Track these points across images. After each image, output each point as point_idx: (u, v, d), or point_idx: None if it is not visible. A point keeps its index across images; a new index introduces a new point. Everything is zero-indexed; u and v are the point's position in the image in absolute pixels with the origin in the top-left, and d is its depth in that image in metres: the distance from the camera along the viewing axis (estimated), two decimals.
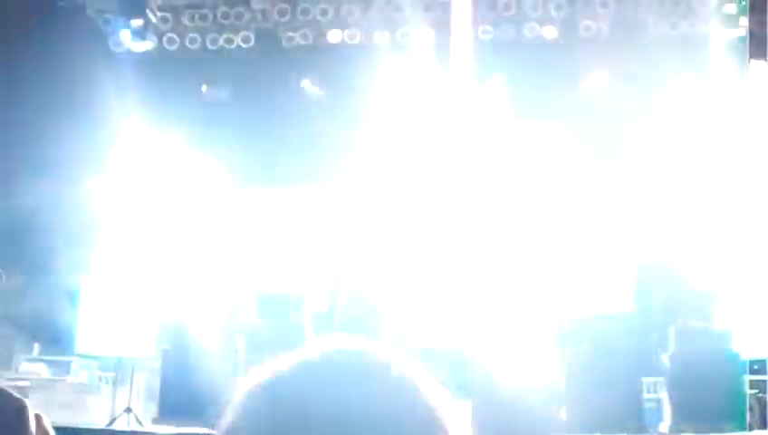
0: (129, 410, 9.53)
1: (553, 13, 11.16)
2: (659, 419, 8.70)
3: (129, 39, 11.63)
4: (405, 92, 10.96)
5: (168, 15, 11.68)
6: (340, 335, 1.11)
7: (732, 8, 10.99)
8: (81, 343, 10.18)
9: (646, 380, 9.24)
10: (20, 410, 2.00)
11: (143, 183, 11.05)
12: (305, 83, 11.91)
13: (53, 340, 10.15)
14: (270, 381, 1.08)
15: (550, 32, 11.26)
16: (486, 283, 8.88)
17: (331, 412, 1.02)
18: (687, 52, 11.13)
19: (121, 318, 10.25)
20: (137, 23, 11.52)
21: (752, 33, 10.39)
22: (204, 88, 12.14)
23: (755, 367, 8.94)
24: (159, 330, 9.85)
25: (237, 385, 1.11)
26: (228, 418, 1.08)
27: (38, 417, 2.14)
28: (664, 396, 8.81)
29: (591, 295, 10.56)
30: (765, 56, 9.94)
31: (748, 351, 9.35)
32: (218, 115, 11.62)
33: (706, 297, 10.06)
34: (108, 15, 11.45)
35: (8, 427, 2.01)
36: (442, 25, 11.01)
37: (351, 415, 1.02)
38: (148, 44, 11.73)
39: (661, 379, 9.17)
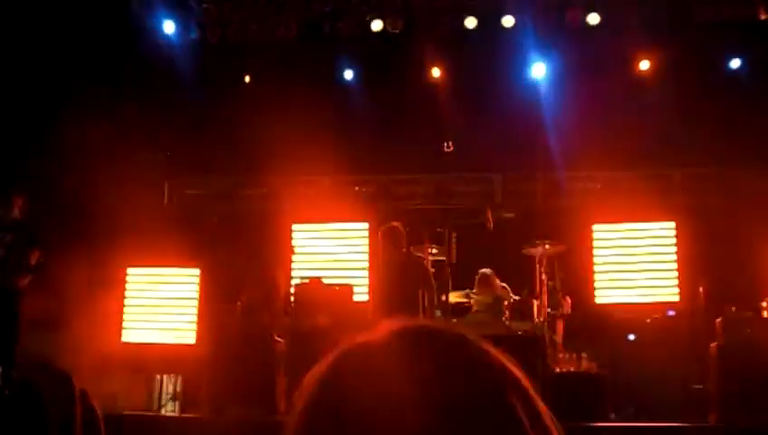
0: (174, 398, 9.66)
1: None
2: (707, 409, 8.59)
3: (171, 29, 11.72)
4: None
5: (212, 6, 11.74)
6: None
7: None
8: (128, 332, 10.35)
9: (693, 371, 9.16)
10: (65, 383, 2.02)
11: None
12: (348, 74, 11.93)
13: None
14: (343, 362, 1.08)
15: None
16: None
17: (406, 394, 1.02)
18: None
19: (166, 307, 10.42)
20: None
21: None
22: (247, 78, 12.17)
23: None
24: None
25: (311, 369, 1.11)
26: (305, 401, 1.08)
27: (83, 392, 2.16)
28: (711, 386, 8.70)
29: (638, 285, 10.53)
30: None
31: None
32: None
33: (753, 287, 9.96)
34: (151, 8, 11.54)
35: (55, 398, 2.03)
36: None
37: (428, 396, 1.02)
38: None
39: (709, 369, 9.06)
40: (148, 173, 11.56)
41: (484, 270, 9.49)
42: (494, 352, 1.09)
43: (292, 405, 1.09)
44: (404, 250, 8.62)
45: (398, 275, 8.44)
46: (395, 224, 8.72)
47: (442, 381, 1.04)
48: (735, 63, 11.59)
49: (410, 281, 8.37)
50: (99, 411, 2.26)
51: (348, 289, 9.47)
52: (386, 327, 1.10)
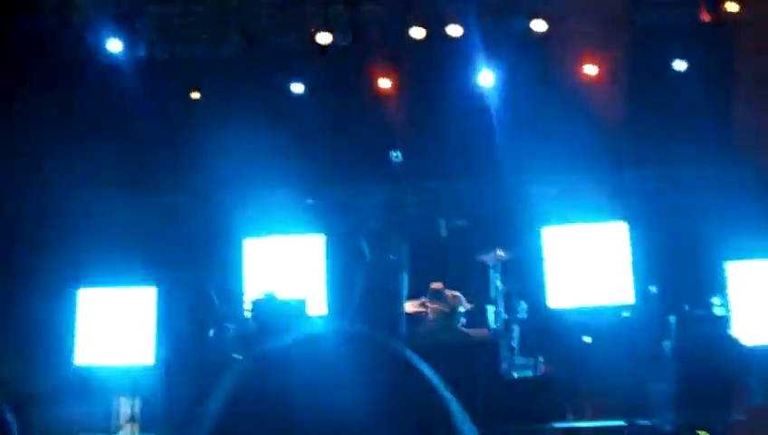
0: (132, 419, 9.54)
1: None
2: (664, 406, 8.69)
3: (118, 48, 11.61)
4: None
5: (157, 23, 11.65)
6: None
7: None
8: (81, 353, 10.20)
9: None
10: None
11: None
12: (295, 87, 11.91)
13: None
14: (264, 357, 1.06)
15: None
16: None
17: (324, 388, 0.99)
18: None
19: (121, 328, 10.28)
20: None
21: None
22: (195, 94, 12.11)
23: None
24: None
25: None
26: (220, 396, 1.04)
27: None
28: (667, 385, 8.81)
29: (592, 287, 10.64)
30: None
31: (747, 337, 9.42)
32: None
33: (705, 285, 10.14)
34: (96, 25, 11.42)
35: None
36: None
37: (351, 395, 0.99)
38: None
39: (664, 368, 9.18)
40: (97, 191, 11.42)
41: (434, 285, 9.46)
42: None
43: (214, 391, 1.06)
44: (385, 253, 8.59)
45: (382, 279, 8.40)
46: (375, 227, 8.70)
47: (373, 375, 1.02)
48: (680, 66, 11.77)
49: (393, 284, 8.36)
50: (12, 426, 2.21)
51: (302, 302, 9.45)
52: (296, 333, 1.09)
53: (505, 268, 9.51)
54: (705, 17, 11.21)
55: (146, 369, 9.84)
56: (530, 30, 11.18)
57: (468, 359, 8.15)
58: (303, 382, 1.00)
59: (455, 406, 1.04)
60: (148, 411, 9.40)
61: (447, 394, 1.04)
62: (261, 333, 9.01)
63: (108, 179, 11.67)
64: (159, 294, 10.32)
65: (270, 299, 9.32)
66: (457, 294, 9.52)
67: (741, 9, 10.95)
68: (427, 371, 1.06)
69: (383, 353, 1.06)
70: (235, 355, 9.16)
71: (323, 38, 11.23)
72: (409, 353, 1.07)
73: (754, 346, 9.21)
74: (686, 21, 11.29)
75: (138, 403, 9.65)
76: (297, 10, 11.21)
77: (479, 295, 9.59)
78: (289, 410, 0.98)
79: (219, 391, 1.04)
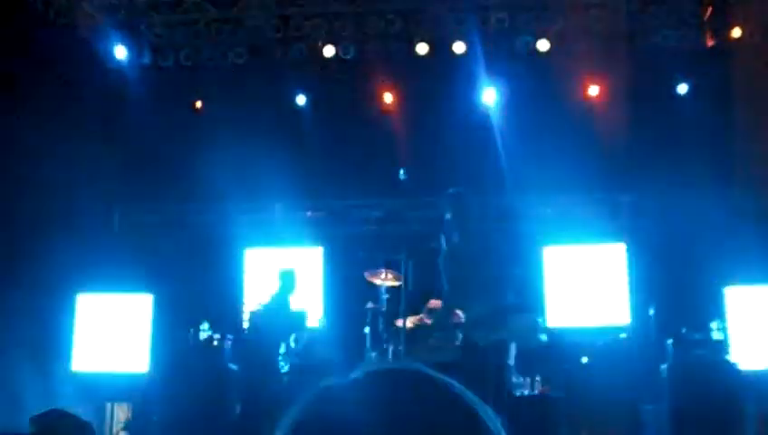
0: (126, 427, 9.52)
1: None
2: (660, 428, 8.69)
3: (123, 55, 11.64)
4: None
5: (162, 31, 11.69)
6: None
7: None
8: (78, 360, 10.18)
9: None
10: (85, 429, 2.00)
11: None
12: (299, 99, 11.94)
13: None
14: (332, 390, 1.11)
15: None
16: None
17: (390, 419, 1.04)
18: None
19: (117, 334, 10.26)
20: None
21: None
22: (198, 104, 12.15)
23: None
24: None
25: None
26: (285, 425, 1.11)
27: None
28: (663, 407, 8.81)
29: (591, 307, 10.64)
30: None
31: (745, 362, 9.42)
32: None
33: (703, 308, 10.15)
34: (101, 32, 11.46)
35: None
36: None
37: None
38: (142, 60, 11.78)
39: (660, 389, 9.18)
40: (98, 198, 11.43)
41: (432, 303, 9.40)
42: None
43: None
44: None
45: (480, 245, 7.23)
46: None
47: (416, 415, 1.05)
48: (683, 89, 11.80)
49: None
50: None
51: (302, 314, 9.43)
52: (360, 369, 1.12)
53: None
54: (709, 41, 11.25)
55: (140, 376, 9.83)
56: (534, 49, 11.21)
57: (465, 377, 8.12)
58: (364, 419, 1.05)
59: None
60: (142, 418, 9.38)
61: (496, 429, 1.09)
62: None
63: (110, 186, 11.69)
64: (156, 302, 10.32)
65: (268, 310, 9.30)
66: (459, 311, 9.48)
67: (744, 34, 10.99)
68: (482, 411, 1.11)
69: (443, 395, 1.11)
70: (231, 365, 9.16)
71: (328, 51, 11.27)
72: (468, 395, 1.12)
73: (752, 371, 9.20)
74: (690, 44, 11.33)
75: (132, 410, 9.64)
76: (302, 22, 11.24)
77: None
78: None
79: (285, 419, 1.10)
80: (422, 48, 11.24)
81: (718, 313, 10.41)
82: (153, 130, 11.31)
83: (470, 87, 11.47)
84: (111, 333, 10.36)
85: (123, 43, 11.60)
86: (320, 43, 11.33)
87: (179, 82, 12.00)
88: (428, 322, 9.30)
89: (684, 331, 9.89)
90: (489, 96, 11.53)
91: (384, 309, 8.97)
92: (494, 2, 10.97)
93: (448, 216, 7.27)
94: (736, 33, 11.01)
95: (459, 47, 11.15)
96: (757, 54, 11.01)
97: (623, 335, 10.27)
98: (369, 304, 9.04)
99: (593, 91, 11.76)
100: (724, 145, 11.09)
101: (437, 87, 11.46)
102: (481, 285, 6.93)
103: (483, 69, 11.17)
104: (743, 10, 10.98)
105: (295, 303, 9.37)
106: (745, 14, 11.01)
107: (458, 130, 11.01)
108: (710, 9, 11.12)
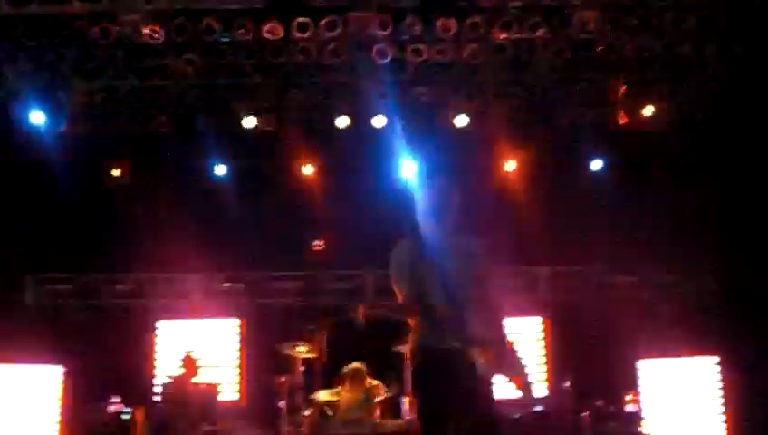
0: None
1: None
2: None
3: (40, 120, 11.43)
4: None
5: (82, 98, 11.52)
6: None
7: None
8: None
9: None
10: None
11: None
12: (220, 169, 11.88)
13: None
14: None
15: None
16: None
17: None
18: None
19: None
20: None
21: None
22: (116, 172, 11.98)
23: None
24: None
25: None
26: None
27: None
28: None
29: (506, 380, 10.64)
30: None
31: (658, 433, 9.55)
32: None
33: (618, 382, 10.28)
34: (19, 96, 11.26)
35: None
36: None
37: None
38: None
39: None
40: (9, 267, 11.15)
41: (355, 365, 9.40)
42: None
43: None
44: None
45: None
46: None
47: None
48: (597, 165, 12.08)
49: None
50: None
51: (214, 387, 9.27)
52: None
53: None
54: (622, 119, 11.55)
55: None
56: (452, 125, 11.37)
57: None
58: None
59: None
60: None
61: None
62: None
63: (21, 254, 11.42)
64: (66, 374, 10.05)
65: (182, 382, 9.11)
66: (377, 383, 9.44)
67: (656, 112, 11.33)
68: None
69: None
70: None
71: (248, 122, 11.25)
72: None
73: None
74: (604, 121, 11.63)
75: None
76: (224, 93, 11.23)
77: (395, 386, 9.50)
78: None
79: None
80: (342, 121, 11.31)
81: (632, 385, 10.57)
82: (68, 197, 11.11)
83: (390, 160, 11.56)
84: (19, 405, 10.03)
85: (41, 108, 11.40)
86: (241, 114, 11.31)
87: (97, 150, 11.81)
88: (346, 392, 9.22)
89: (599, 403, 9.98)
90: (409, 169, 11.62)
91: (300, 382, 8.86)
92: (415, 77, 11.11)
93: None
94: (648, 111, 11.33)
95: (380, 120, 11.26)
96: (668, 133, 11.37)
97: (539, 408, 10.30)
98: (285, 378, 8.92)
99: (510, 165, 11.96)
100: (636, 221, 11.36)
101: (357, 160, 11.53)
102: None
103: (403, 142, 11.28)
104: (655, 90, 11.33)
105: (208, 377, 9.22)
106: (658, 93, 11.37)
107: (378, 203, 11.05)
108: (623, 88, 11.45)
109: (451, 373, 4.63)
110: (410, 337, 4.93)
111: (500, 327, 4.93)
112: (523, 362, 5.00)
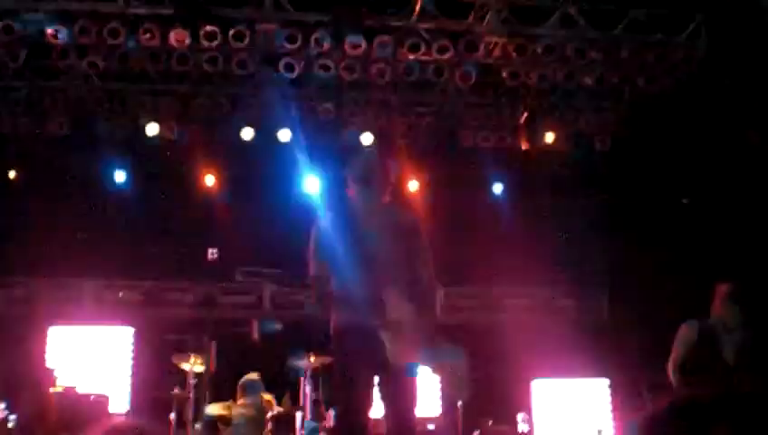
0: None
1: None
2: None
3: None
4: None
5: None
6: None
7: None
8: None
9: None
10: None
11: None
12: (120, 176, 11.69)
13: None
14: None
15: None
16: None
17: None
18: None
19: None
20: None
21: None
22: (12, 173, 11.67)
23: None
24: None
25: None
26: None
27: None
28: None
29: None
30: None
31: None
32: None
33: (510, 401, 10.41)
34: None
35: None
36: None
37: None
38: None
39: None
40: None
41: (250, 376, 9.31)
42: None
43: None
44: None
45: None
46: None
47: None
48: (498, 188, 12.29)
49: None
50: None
51: (104, 399, 9.05)
52: None
53: (316, 375, 9.44)
54: (524, 144, 11.78)
55: None
56: (359, 142, 11.42)
57: None
58: None
59: None
60: None
61: None
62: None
63: None
64: None
65: (68, 393, 8.87)
66: (270, 397, 9.36)
67: (556, 140, 11.58)
68: None
69: None
70: None
71: (151, 129, 11.09)
72: None
73: None
74: (507, 146, 11.84)
75: None
76: (127, 97, 11.05)
77: (289, 401, 9.46)
78: None
79: None
80: (247, 133, 11.25)
81: (525, 405, 10.72)
82: None
83: (293, 174, 11.54)
84: None
85: None
86: (143, 121, 11.14)
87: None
88: (237, 407, 9.13)
89: (490, 423, 10.10)
90: (312, 185, 11.62)
91: (191, 395, 8.74)
92: (322, 93, 11.12)
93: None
94: (549, 138, 11.57)
95: (285, 134, 11.23)
96: (567, 160, 11.65)
97: (431, 427, 10.37)
98: (176, 390, 8.79)
99: (413, 185, 12.06)
100: (535, 242, 11.57)
101: (260, 172, 11.48)
102: None
103: (306, 157, 11.27)
104: (557, 117, 11.58)
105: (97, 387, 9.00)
106: (559, 121, 11.62)
107: (278, 217, 11.00)
108: (525, 114, 11.68)
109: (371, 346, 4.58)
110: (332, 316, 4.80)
111: (430, 310, 4.88)
112: (454, 352, 4.86)
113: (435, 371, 4.83)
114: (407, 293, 4.73)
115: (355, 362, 4.58)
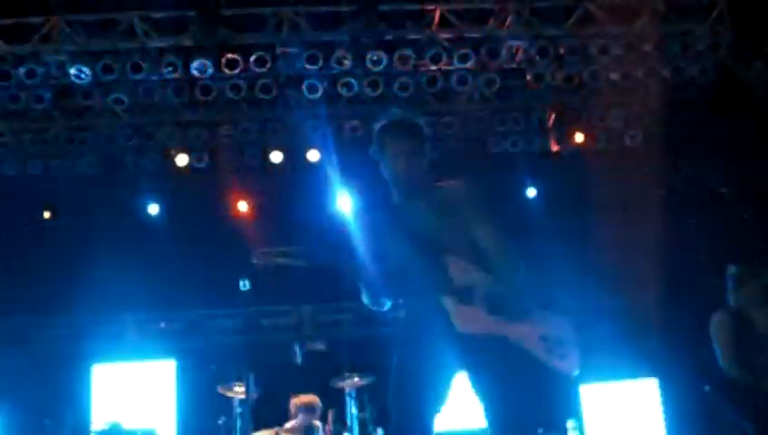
0: None
1: None
2: None
3: None
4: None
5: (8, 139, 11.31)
6: None
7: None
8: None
9: None
10: None
11: None
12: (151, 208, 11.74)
13: None
14: None
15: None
16: None
17: None
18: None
19: None
20: None
21: None
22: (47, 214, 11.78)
23: None
24: None
25: None
26: None
27: None
28: None
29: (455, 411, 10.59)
30: None
31: None
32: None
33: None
34: None
35: None
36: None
37: None
38: None
39: None
40: None
41: (310, 396, 9.22)
42: None
43: None
44: None
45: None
46: None
47: None
48: (531, 193, 12.18)
49: None
50: None
51: (152, 433, 9.07)
52: None
53: (361, 394, 9.37)
54: (554, 146, 11.68)
55: None
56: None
57: None
58: None
59: None
60: None
61: None
62: None
63: None
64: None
65: (114, 430, 8.90)
66: (317, 422, 9.30)
67: (586, 140, 11.46)
68: None
69: None
70: None
71: (181, 160, 11.14)
72: None
73: None
74: (537, 149, 11.74)
75: None
76: (154, 131, 11.11)
77: (336, 423, 9.39)
78: None
79: None
80: (276, 156, 11.26)
81: (574, 411, 10.58)
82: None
83: (325, 195, 11.52)
84: None
85: None
86: (172, 152, 11.20)
87: (27, 192, 11.60)
88: (284, 433, 9.08)
89: (541, 431, 9.96)
90: (344, 203, 11.58)
91: (238, 424, 8.70)
92: (348, 111, 11.12)
93: None
94: (579, 138, 11.46)
95: (314, 155, 11.22)
96: (599, 159, 11.50)
97: None
98: (222, 419, 8.77)
99: None
100: (572, 245, 11.42)
101: (292, 195, 11.47)
102: None
103: (338, 176, 11.25)
104: (586, 117, 11.47)
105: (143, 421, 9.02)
106: (588, 120, 11.50)
107: (313, 237, 10.96)
108: (553, 115, 11.58)
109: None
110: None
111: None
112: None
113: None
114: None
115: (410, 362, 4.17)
